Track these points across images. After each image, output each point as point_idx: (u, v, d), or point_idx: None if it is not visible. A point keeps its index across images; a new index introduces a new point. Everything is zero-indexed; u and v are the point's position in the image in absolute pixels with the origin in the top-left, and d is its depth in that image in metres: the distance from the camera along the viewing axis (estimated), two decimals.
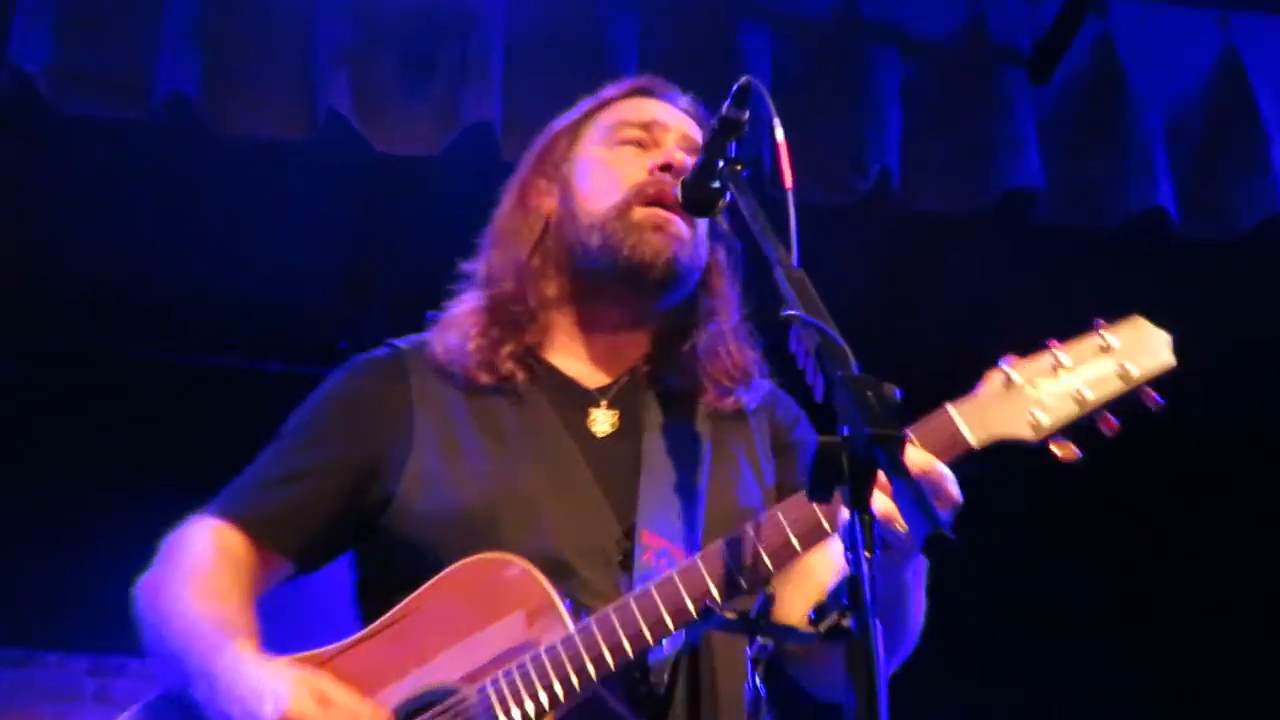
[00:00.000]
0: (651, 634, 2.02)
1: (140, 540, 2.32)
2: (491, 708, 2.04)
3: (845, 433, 1.65)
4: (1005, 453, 2.05)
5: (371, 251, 5.18)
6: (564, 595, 2.09)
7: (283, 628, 2.26)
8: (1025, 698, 5.84)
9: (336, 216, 5.00)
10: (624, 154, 2.41)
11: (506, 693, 2.04)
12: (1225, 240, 4.44)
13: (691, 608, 2.01)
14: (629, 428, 2.33)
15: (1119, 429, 2.05)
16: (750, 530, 2.02)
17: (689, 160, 2.34)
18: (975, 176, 4.33)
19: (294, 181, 4.73)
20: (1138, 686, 5.88)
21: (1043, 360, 2.10)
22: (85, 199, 4.87)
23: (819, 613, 1.65)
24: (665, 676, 2.11)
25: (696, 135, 2.45)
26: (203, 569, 2.23)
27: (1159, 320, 2.15)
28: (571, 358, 2.40)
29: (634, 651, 2.02)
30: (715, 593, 2.00)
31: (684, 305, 2.40)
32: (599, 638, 2.02)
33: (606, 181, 2.37)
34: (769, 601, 1.78)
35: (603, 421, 2.34)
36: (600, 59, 4.17)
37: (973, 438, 2.03)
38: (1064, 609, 5.95)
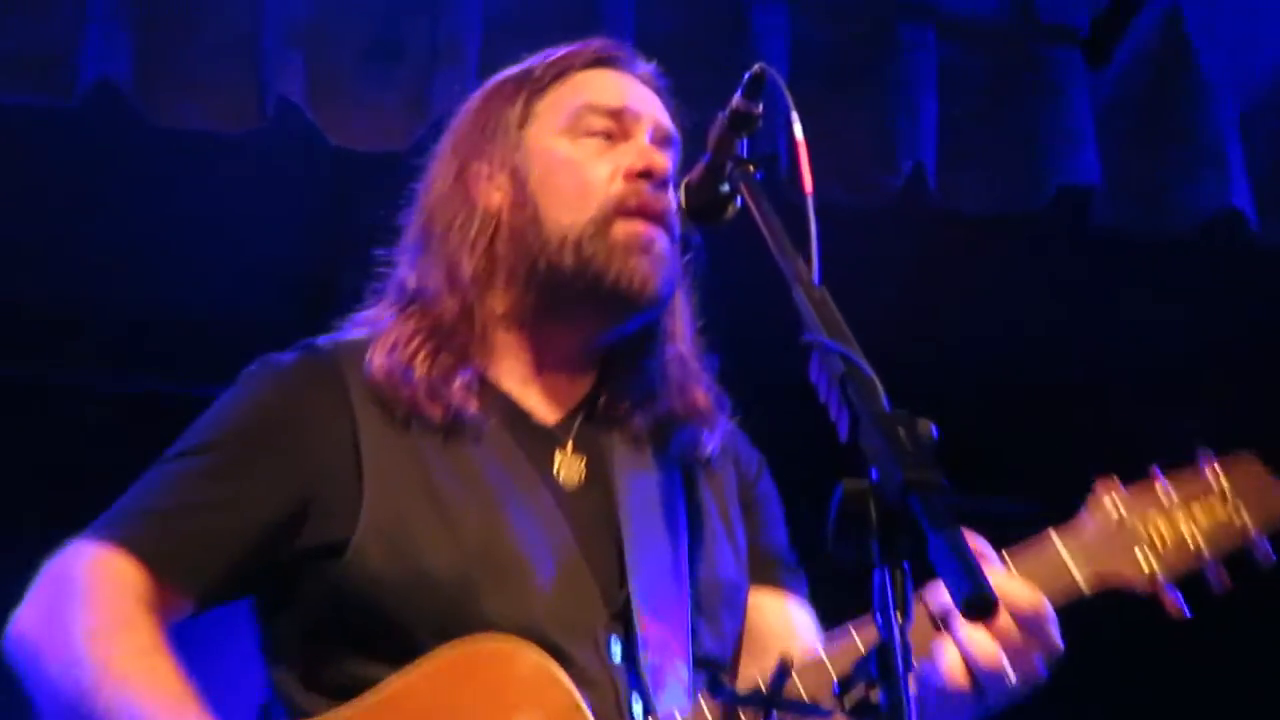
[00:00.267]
0: None
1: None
2: None
3: (874, 477, 1.64)
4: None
5: (333, 260, 5.15)
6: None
7: None
8: None
9: (292, 220, 4.99)
10: (590, 148, 2.38)
11: None
12: None
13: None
14: (596, 478, 2.33)
15: (1232, 588, 2.12)
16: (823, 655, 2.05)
17: (668, 161, 2.34)
18: (1023, 174, 4.33)
19: (242, 180, 4.72)
20: None
21: (1150, 495, 2.22)
22: None
23: (843, 685, 1.65)
24: None
25: (666, 119, 2.44)
26: (119, 615, 2.17)
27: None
28: (520, 383, 2.37)
29: None
30: None
31: (642, 326, 2.40)
32: None
33: (576, 186, 2.34)
34: (785, 673, 1.77)
35: (569, 469, 2.33)
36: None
37: (1082, 579, 2.09)
38: None
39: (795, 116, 2.08)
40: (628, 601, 2.20)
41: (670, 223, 2.34)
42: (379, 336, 2.33)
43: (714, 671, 2.25)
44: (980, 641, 2.04)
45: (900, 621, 1.61)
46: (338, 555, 2.19)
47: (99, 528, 2.24)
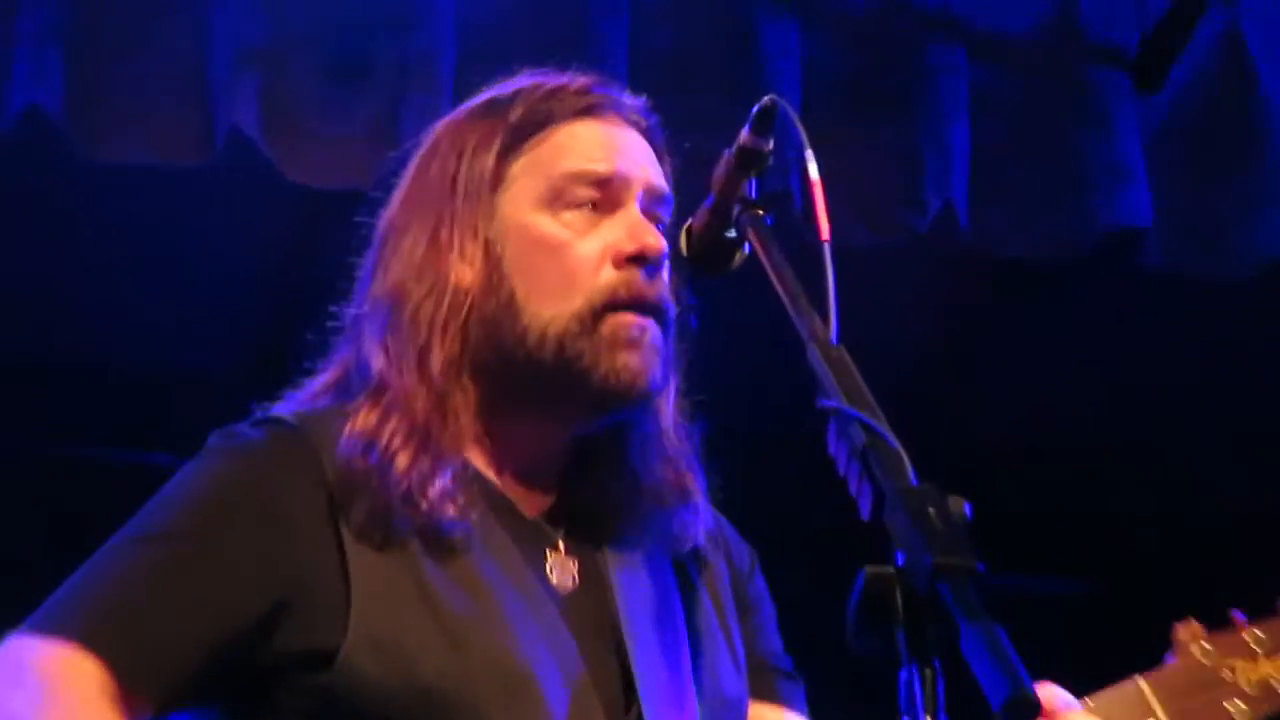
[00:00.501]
0: None
1: None
2: None
3: (900, 561, 1.65)
4: None
5: (290, 310, 5.16)
6: None
7: None
8: None
9: (244, 264, 4.99)
10: (574, 223, 2.36)
11: None
12: None
13: None
14: (592, 582, 2.34)
15: None
16: None
17: (662, 240, 2.33)
18: (1065, 212, 4.34)
19: (187, 221, 4.73)
20: None
21: (1236, 640, 2.39)
22: None
23: None
24: None
25: (659, 175, 2.42)
26: None
27: None
28: (499, 472, 2.38)
29: None
30: None
31: None
32: None
33: (559, 272, 2.33)
34: None
35: (562, 571, 2.34)
36: (578, 60, 4.16)
37: None
38: None
39: (810, 154, 2.09)
40: None
41: (664, 308, 2.34)
42: (350, 420, 2.31)
43: None
44: None
45: None
46: (323, 665, 2.18)
47: (50, 619, 2.20)
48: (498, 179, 2.40)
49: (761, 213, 2.17)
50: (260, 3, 4.11)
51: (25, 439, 5.54)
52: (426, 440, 2.29)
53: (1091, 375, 5.28)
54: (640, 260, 2.31)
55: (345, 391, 2.38)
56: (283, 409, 2.38)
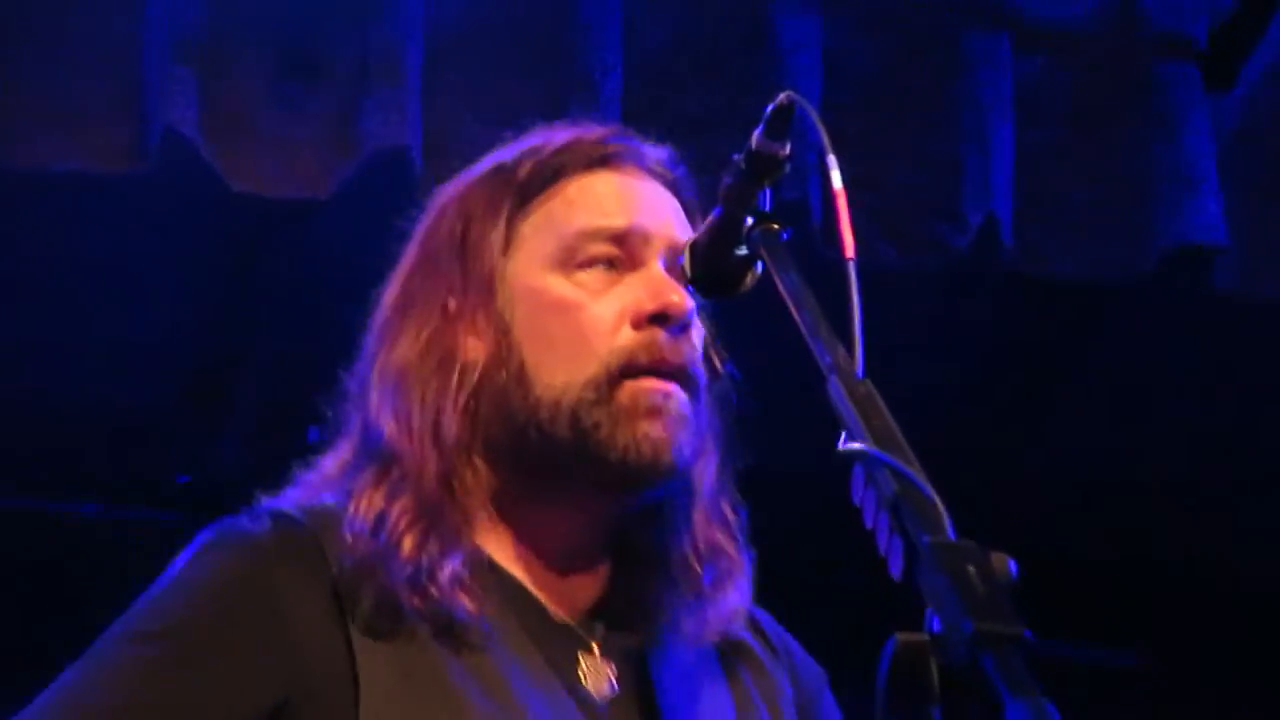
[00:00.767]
0: None
1: None
2: None
3: (936, 628, 1.65)
4: None
5: (230, 338, 5.18)
6: None
7: None
8: None
9: (179, 286, 5.01)
10: (589, 283, 2.38)
11: None
12: None
13: None
14: (630, 687, 2.36)
15: None
16: None
17: (688, 298, 2.34)
18: (1125, 228, 4.36)
19: (117, 235, 4.74)
20: None
21: None
22: None
23: None
24: None
25: (683, 231, 2.43)
26: None
27: None
28: (525, 570, 2.41)
29: None
30: None
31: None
32: None
33: (572, 335, 2.35)
34: None
35: (597, 677, 2.35)
36: (565, 53, 4.19)
37: None
38: None
39: (832, 160, 2.09)
40: None
41: (691, 372, 2.34)
42: (355, 501, 2.36)
43: None
44: None
45: None
46: None
47: None
48: (507, 242, 2.43)
49: (777, 227, 2.17)
50: None
51: None
52: (438, 520, 2.33)
53: (1151, 416, 5.29)
54: (662, 320, 2.32)
55: (355, 473, 2.41)
56: (291, 494, 2.43)
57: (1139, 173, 4.38)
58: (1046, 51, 4.46)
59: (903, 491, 1.77)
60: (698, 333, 2.38)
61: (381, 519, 2.32)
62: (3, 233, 4.76)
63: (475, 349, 2.38)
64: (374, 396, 2.42)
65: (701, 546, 2.42)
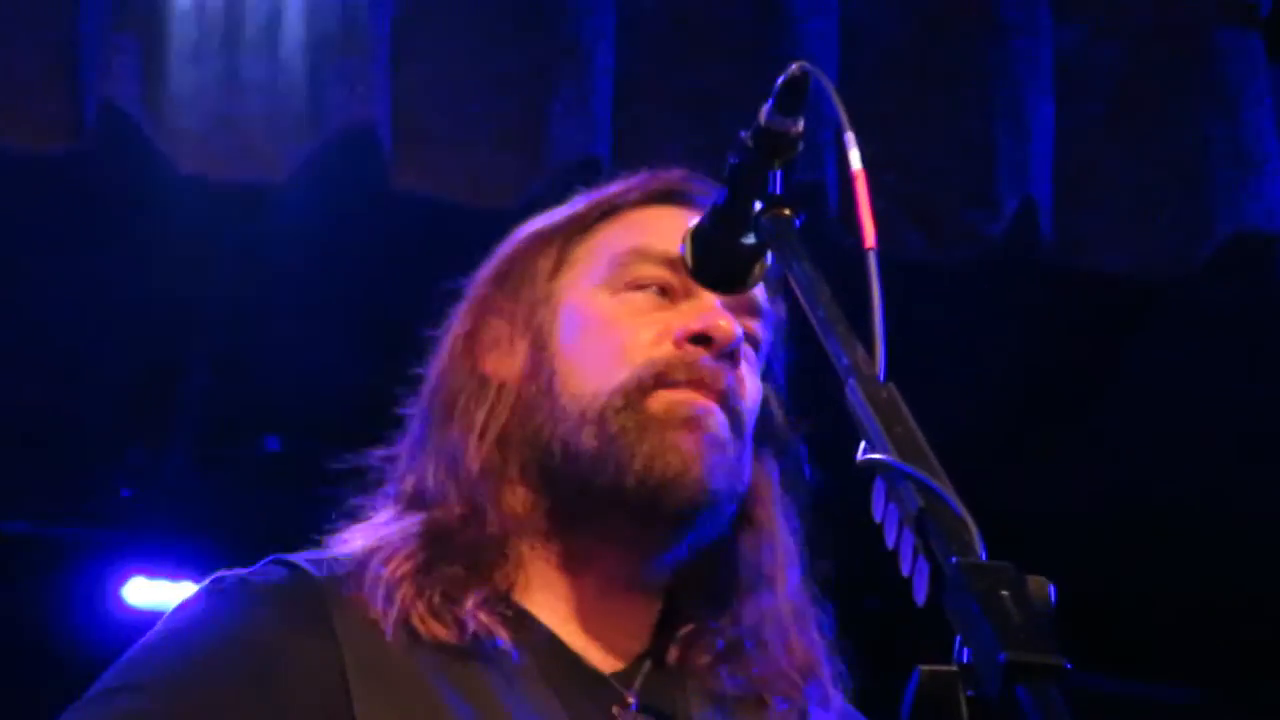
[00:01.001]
0: None
1: None
2: None
3: (965, 658, 1.66)
4: None
5: (177, 335, 5.19)
6: None
7: None
8: None
9: (121, 277, 5.02)
10: (636, 304, 2.40)
11: None
12: None
13: None
14: None
15: None
16: None
17: (737, 328, 2.36)
18: (1180, 214, 4.37)
19: (50, 224, 4.75)
20: None
21: None
22: None
23: None
24: None
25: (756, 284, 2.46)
26: None
27: None
28: (562, 617, 2.43)
29: None
30: None
31: (711, 549, 2.41)
32: None
33: (609, 349, 2.37)
34: None
35: None
36: (549, 22, 4.19)
37: None
38: None
39: (850, 139, 2.10)
40: None
41: (736, 405, 2.35)
42: (374, 543, 2.40)
43: None
44: None
45: None
46: None
47: None
48: (557, 266, 2.47)
49: (788, 212, 2.17)
50: None
51: None
52: (454, 547, 2.38)
53: (1208, 425, 5.30)
54: (705, 341, 2.34)
55: (382, 515, 2.46)
56: (307, 558, 2.47)
57: (1193, 153, 4.39)
58: (1089, 18, 4.47)
59: (928, 507, 1.77)
60: (751, 375, 2.39)
61: (396, 551, 2.36)
62: None
63: (508, 366, 2.43)
64: (409, 451, 2.48)
65: (777, 646, 2.41)
